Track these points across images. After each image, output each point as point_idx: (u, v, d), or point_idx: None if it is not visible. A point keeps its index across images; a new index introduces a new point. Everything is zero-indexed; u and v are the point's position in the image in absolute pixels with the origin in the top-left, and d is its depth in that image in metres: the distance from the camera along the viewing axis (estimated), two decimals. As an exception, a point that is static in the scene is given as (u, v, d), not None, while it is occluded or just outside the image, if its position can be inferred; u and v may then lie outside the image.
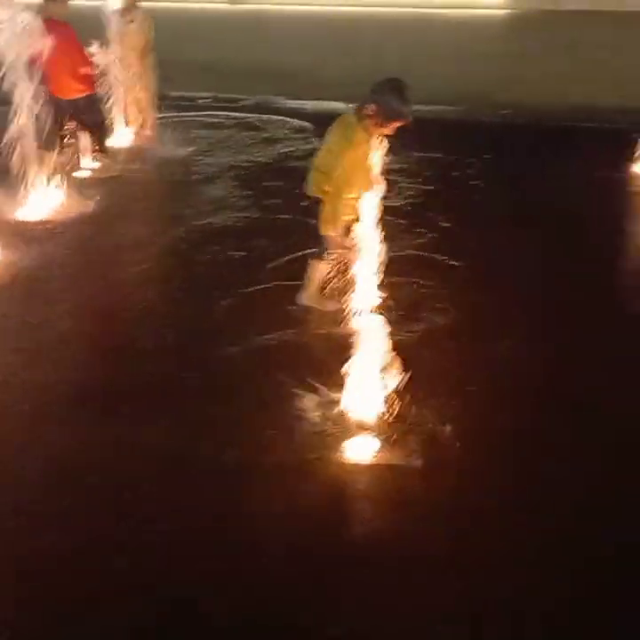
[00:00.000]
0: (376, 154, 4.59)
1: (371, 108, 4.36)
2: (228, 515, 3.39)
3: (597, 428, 3.95)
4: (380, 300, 4.82)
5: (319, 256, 4.84)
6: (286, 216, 6.33)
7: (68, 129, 7.37)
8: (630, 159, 7.58)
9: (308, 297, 4.98)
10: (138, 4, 8.15)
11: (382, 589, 3.03)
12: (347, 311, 4.67)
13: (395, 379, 3.89)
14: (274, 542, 3.24)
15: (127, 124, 8.39)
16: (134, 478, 3.59)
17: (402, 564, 3.14)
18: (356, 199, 4.51)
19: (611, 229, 6.41)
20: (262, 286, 5.35)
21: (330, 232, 4.62)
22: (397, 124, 4.40)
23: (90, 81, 7.31)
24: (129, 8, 8.05)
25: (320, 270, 4.91)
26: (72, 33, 6.98)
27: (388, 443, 3.76)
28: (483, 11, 19.82)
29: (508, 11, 19.98)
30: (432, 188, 7.30)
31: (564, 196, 7.09)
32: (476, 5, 19.99)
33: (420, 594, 3.01)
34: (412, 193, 7.09)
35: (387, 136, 4.56)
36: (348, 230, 4.67)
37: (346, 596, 3.00)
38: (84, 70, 7.13)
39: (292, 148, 8.49)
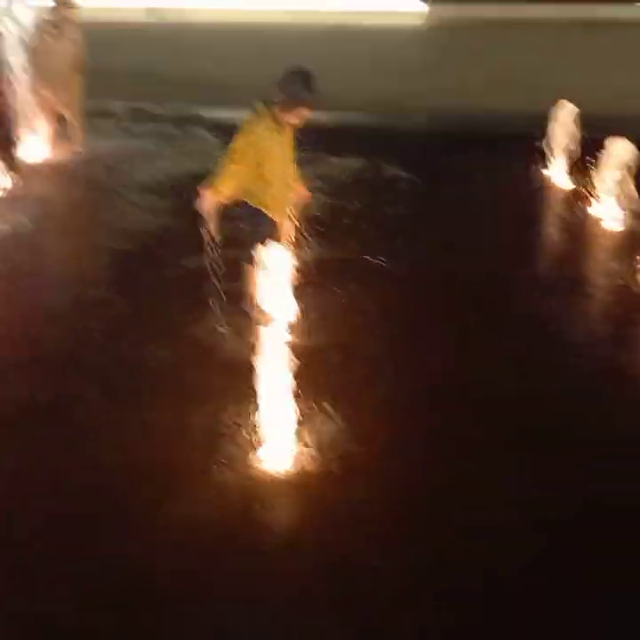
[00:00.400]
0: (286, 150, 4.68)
1: (276, 95, 4.51)
2: (126, 524, 3.37)
3: (500, 424, 4.06)
4: (296, 309, 4.87)
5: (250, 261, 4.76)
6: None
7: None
8: (537, 162, 7.83)
9: (247, 304, 4.89)
10: (70, 16, 7.74)
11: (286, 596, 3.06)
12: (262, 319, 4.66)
13: (306, 386, 3.92)
14: (180, 551, 3.23)
15: (45, 139, 8.19)
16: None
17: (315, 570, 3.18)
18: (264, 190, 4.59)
19: (520, 231, 6.60)
20: (166, 295, 5.39)
21: (204, 190, 4.59)
22: (302, 111, 4.53)
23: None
24: (59, 21, 7.66)
25: (251, 275, 4.80)
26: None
27: (300, 450, 3.79)
28: (401, 21, 20.14)
29: (426, 21, 20.36)
30: (348, 193, 7.39)
31: (476, 198, 7.30)
32: (394, 16, 20.32)
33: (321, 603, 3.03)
34: (327, 198, 7.15)
35: (296, 126, 4.66)
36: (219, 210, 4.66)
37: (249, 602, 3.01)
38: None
39: (208, 155, 8.42)
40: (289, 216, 4.95)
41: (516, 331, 4.99)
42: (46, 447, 3.84)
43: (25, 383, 4.40)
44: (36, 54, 7.67)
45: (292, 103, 4.49)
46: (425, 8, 20.73)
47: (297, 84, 4.47)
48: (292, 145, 4.78)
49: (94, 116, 9.24)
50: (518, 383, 4.40)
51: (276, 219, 4.77)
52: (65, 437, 3.92)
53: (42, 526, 3.36)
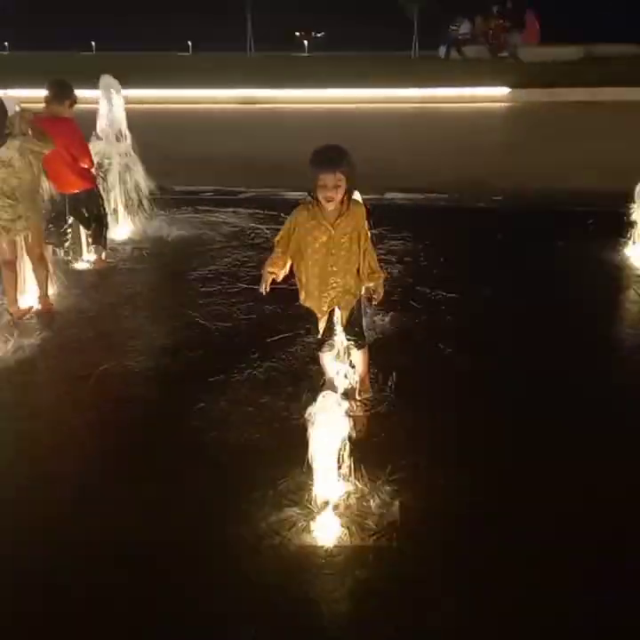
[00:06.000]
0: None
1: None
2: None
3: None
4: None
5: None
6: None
7: (69, 223, 7.57)
8: (621, 242, 7.68)
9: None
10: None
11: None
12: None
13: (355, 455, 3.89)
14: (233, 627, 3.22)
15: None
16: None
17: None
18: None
19: (597, 316, 6.43)
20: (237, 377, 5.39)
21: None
22: (318, 187, 4.31)
23: (90, 175, 7.51)
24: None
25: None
26: (73, 126, 7.14)
27: (353, 523, 3.74)
28: (485, 104, 20.47)
29: (509, 104, 20.65)
30: (424, 269, 7.42)
31: (556, 278, 7.20)
32: (478, 99, 20.68)
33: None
34: (405, 277, 7.22)
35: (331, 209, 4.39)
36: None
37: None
38: (83, 164, 7.26)
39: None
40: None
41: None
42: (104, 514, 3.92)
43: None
44: None
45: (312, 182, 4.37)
46: (505, 91, 21.09)
47: (311, 160, 4.36)
48: (337, 232, 4.47)
49: (175, 200, 9.70)
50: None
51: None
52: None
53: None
